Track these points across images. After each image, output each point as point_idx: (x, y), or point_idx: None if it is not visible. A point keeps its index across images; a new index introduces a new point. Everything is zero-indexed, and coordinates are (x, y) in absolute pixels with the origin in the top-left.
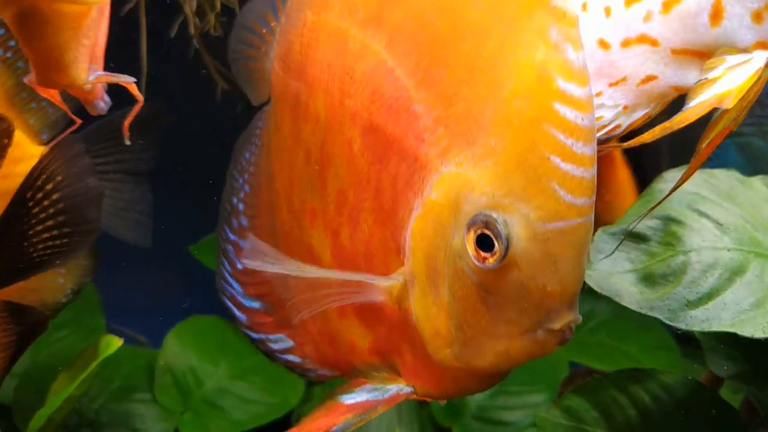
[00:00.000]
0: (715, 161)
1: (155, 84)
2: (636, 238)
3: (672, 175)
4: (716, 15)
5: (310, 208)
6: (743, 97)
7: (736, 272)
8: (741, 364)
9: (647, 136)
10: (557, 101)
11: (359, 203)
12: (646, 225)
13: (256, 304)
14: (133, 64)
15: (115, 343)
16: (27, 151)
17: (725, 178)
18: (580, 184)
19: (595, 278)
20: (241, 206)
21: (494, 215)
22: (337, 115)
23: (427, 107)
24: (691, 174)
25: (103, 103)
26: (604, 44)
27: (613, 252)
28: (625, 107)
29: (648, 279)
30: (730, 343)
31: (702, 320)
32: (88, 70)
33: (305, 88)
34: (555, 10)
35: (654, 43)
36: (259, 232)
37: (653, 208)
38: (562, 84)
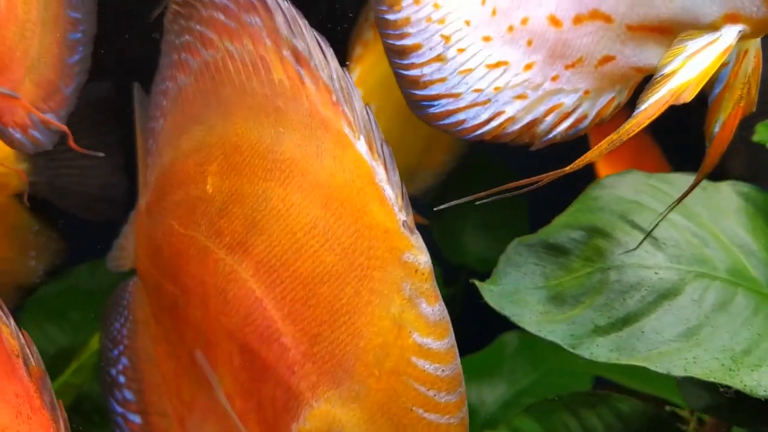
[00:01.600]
0: None
1: None
2: (556, 250)
3: (610, 181)
4: None
5: (200, 404)
6: (740, 73)
7: (665, 295)
8: (717, 396)
9: (594, 153)
10: (415, 356)
11: (245, 412)
12: (569, 236)
13: None
14: None
15: None
16: None
17: (682, 184)
18: (447, 431)
19: (495, 294)
20: (121, 378)
21: None
22: (215, 329)
23: (295, 341)
24: (711, 166)
25: (20, 135)
26: (555, 21)
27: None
28: (586, 92)
29: (558, 298)
30: None
31: (610, 350)
32: None
33: (182, 295)
34: (406, 265)
35: (607, 19)
36: (151, 410)
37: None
38: (419, 339)
